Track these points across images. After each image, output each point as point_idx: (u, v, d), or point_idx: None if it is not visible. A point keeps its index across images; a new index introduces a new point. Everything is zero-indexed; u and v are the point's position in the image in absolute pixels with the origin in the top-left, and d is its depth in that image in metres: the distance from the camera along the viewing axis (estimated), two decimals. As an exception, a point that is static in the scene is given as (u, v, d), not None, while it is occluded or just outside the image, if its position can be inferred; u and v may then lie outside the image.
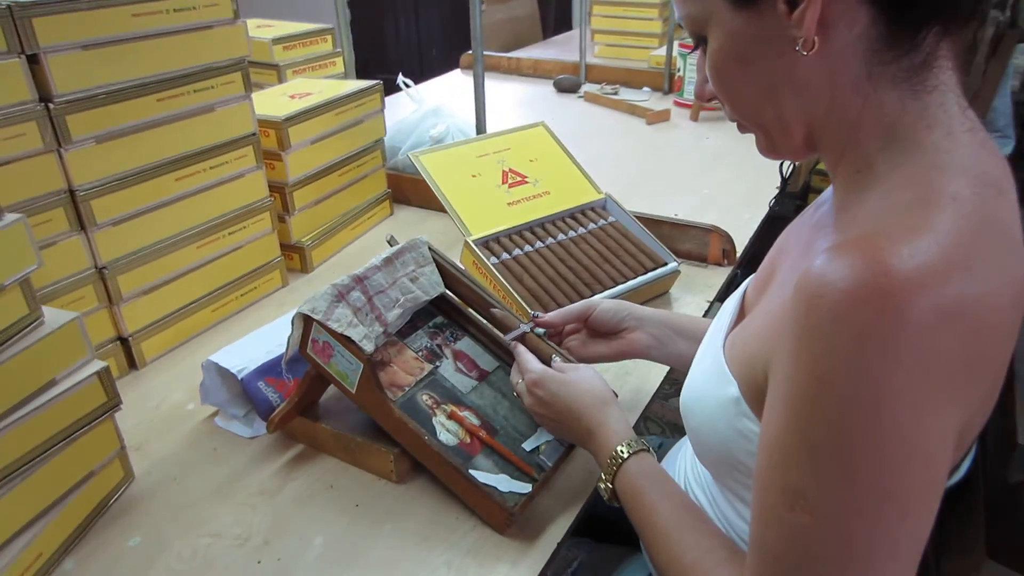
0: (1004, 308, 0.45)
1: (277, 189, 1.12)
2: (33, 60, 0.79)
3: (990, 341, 0.45)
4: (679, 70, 1.92)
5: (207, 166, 0.98)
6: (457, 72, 2.35)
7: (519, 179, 1.14)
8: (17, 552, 0.63)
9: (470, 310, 0.86)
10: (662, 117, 1.84)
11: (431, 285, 0.82)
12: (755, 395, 0.54)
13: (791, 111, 0.53)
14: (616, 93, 2.04)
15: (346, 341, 0.72)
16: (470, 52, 2.33)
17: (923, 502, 0.44)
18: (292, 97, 1.19)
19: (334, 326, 0.72)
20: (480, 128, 1.30)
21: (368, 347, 0.73)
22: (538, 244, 1.07)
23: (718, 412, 0.58)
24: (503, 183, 1.12)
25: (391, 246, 0.84)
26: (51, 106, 0.80)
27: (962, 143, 0.49)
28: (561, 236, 1.09)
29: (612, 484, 0.66)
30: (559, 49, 2.55)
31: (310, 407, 0.82)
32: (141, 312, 0.94)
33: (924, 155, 0.48)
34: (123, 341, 0.93)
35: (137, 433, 0.85)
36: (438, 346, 0.83)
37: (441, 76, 2.30)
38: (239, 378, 0.80)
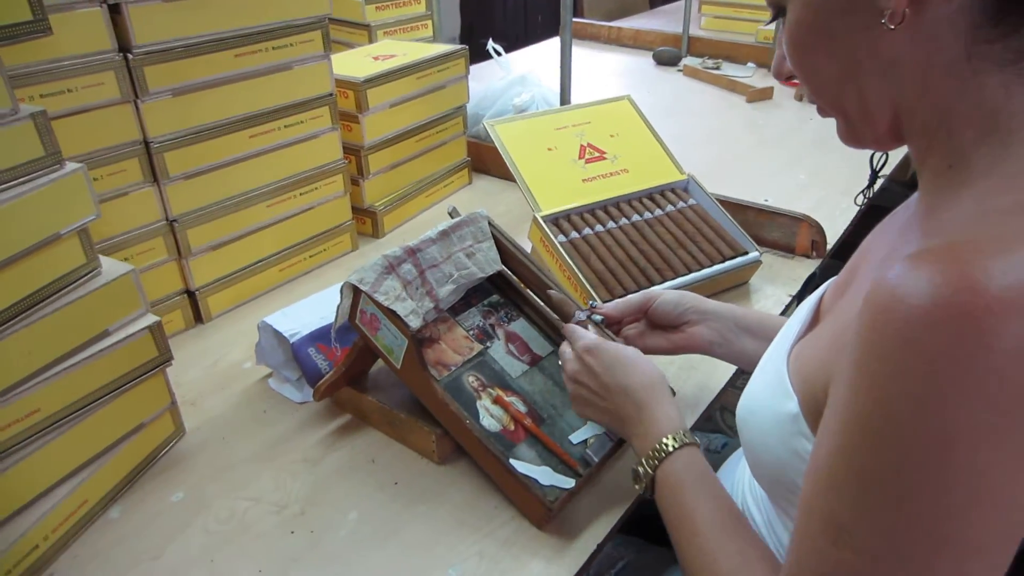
0: None
1: (352, 151, 1.11)
2: (115, 10, 0.79)
3: None
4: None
5: (282, 124, 0.97)
6: (557, 40, 2.28)
7: (597, 155, 1.08)
8: (62, 497, 0.64)
9: (528, 291, 0.82)
10: (764, 95, 1.72)
11: (488, 262, 0.79)
12: (815, 413, 0.48)
13: (875, 94, 0.47)
14: (718, 68, 1.92)
15: (392, 315, 0.70)
16: (576, 20, 2.26)
17: (988, 554, 0.38)
18: (376, 59, 1.17)
19: (381, 299, 0.70)
20: (564, 99, 1.24)
21: (414, 323, 0.70)
22: (610, 224, 1.01)
23: (774, 428, 0.52)
24: (580, 158, 1.07)
25: (452, 218, 0.81)
26: (130, 57, 0.81)
27: None
28: (636, 217, 1.03)
29: (653, 472, 0.60)
30: (665, 19, 2.43)
31: (359, 377, 0.80)
32: (209, 267, 0.95)
33: None
34: (190, 295, 0.95)
35: (194, 387, 0.86)
36: (491, 326, 0.79)
37: (542, 42, 2.24)
38: (290, 342, 0.80)
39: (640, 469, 0.62)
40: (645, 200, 1.06)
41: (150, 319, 0.71)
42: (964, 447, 0.36)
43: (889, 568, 0.39)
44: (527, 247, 0.98)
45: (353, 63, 1.14)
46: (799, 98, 1.72)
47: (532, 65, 1.40)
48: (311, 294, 0.90)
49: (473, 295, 0.81)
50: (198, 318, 0.96)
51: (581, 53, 2.15)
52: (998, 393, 0.35)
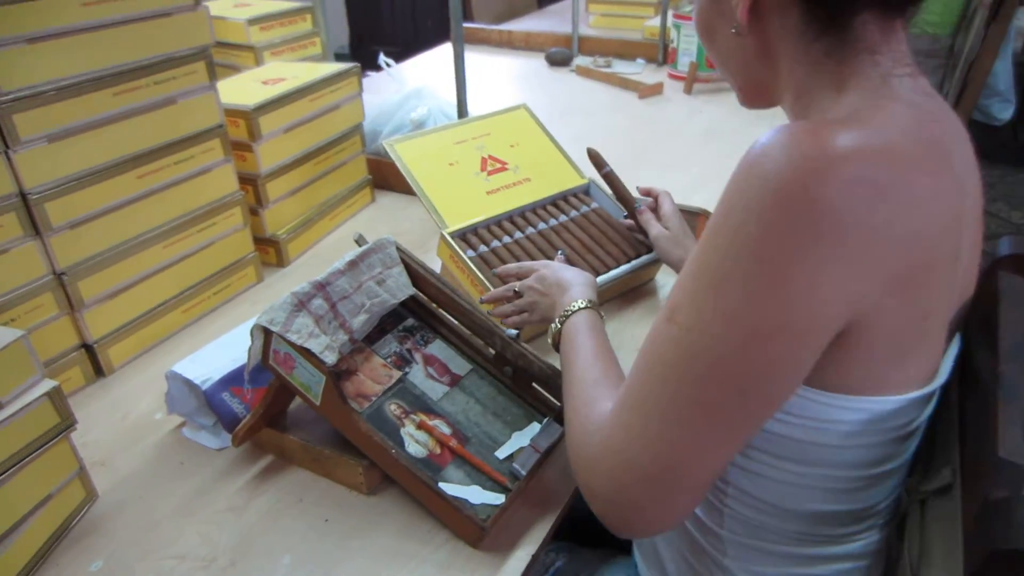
0: (933, 218, 0.50)
1: (249, 181, 1.08)
2: (-27, 58, 0.74)
3: (911, 233, 0.48)
4: (673, 41, 1.85)
5: (171, 161, 0.94)
6: (449, 45, 2.28)
7: (499, 166, 1.09)
8: (-33, 583, 0.60)
9: (441, 312, 0.83)
10: (655, 91, 1.78)
11: (399, 287, 0.79)
12: None
13: (745, 74, 0.63)
14: (609, 66, 1.97)
15: (306, 353, 0.69)
16: (464, 24, 2.27)
17: (776, 340, 0.48)
18: (265, 83, 1.15)
19: (293, 338, 0.69)
20: (461, 112, 1.25)
21: (330, 358, 0.69)
22: (517, 235, 1.03)
23: None
24: (482, 170, 1.08)
25: (359, 246, 0.80)
26: (-5, 106, 0.76)
27: (912, 100, 0.54)
28: (542, 225, 1.05)
29: (560, 326, 0.74)
30: (554, 20, 2.47)
31: (278, 417, 0.79)
32: (106, 317, 0.91)
33: (869, 97, 0.54)
34: (88, 348, 0.90)
35: (102, 447, 0.82)
36: (408, 351, 0.79)
37: (434, 49, 2.23)
38: (202, 390, 0.77)
39: (552, 327, 0.76)
40: (549, 207, 1.08)
41: (47, 384, 0.67)
42: (771, 247, 0.47)
43: (697, 339, 0.50)
44: (436, 264, 0.98)
45: (241, 90, 1.11)
46: (688, 91, 1.79)
47: (426, 74, 1.41)
48: (218, 334, 0.88)
49: (387, 321, 0.81)
50: (99, 372, 0.92)
51: (473, 58, 2.16)
52: (821, 220, 0.45)
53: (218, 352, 0.82)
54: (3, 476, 0.63)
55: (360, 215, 1.30)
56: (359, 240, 0.82)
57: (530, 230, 1.04)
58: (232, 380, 0.79)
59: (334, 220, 1.24)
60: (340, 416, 0.71)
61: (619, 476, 0.53)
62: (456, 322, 0.82)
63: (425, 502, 0.70)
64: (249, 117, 1.04)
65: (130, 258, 0.92)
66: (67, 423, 0.69)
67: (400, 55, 2.11)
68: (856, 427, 0.54)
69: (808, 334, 0.48)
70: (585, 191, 1.12)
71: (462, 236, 1.00)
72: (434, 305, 0.83)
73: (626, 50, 2.04)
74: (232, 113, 1.04)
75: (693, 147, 1.52)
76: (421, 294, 0.82)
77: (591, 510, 0.57)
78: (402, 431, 0.72)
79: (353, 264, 0.77)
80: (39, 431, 0.66)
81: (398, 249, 0.81)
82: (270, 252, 1.13)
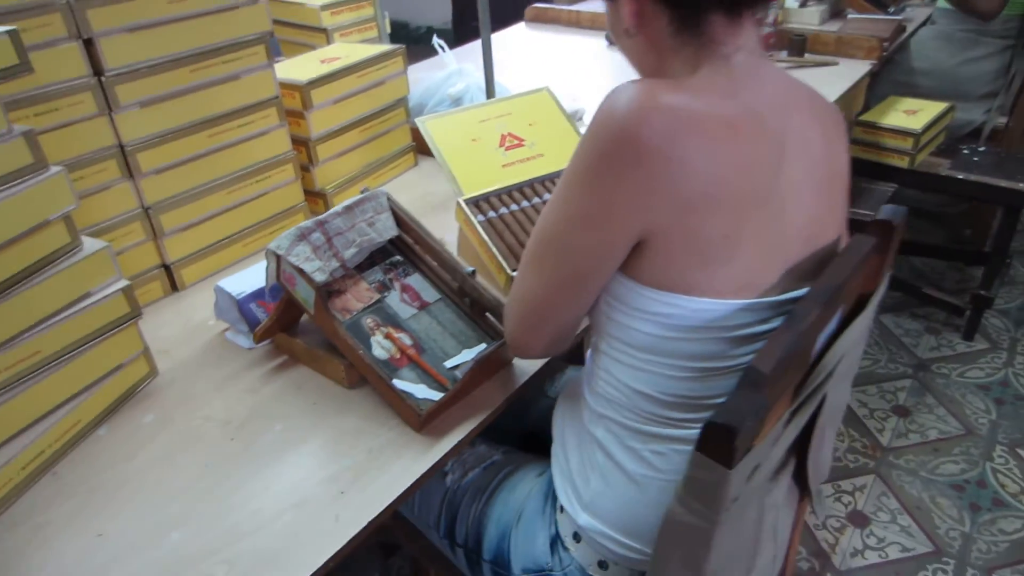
0: (723, 163, 0.67)
1: (302, 143, 1.32)
2: (88, 43, 1.01)
3: (700, 170, 0.66)
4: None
5: (235, 125, 1.18)
6: (522, 25, 2.45)
7: (516, 142, 1.26)
8: (61, 416, 0.87)
9: (418, 249, 1.02)
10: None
11: (386, 229, 0.99)
12: None
13: (641, 65, 0.81)
14: (665, 44, 2.07)
15: (302, 272, 0.91)
16: (536, 5, 2.42)
17: (591, 225, 0.69)
18: (323, 61, 1.38)
19: (293, 259, 0.91)
20: (490, 92, 1.43)
21: (320, 277, 0.91)
22: (524, 203, 1.20)
23: None
24: (500, 146, 1.25)
25: (362, 193, 1.01)
26: (103, 79, 1.02)
27: (738, 68, 0.72)
28: (547, 195, 1.21)
29: None
30: None
31: (291, 325, 1.02)
32: (181, 245, 1.17)
33: (707, 75, 0.73)
34: (166, 268, 1.17)
35: (169, 341, 1.08)
36: (389, 280, 1.00)
37: (507, 29, 2.41)
38: (236, 300, 1.01)
39: None
40: (557, 180, 1.24)
41: (122, 283, 0.93)
42: (594, 162, 0.68)
43: (550, 216, 0.74)
44: (454, 227, 1.17)
45: (303, 67, 1.35)
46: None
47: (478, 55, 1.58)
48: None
49: (377, 255, 1.02)
50: (174, 287, 1.19)
51: (542, 37, 2.32)
52: (628, 146, 0.65)
53: (254, 274, 1.06)
54: (87, 346, 0.90)
55: (402, 176, 1.52)
56: (364, 191, 1.03)
57: (536, 200, 1.20)
58: (260, 295, 1.03)
59: (378, 179, 1.47)
60: (326, 323, 0.92)
61: (509, 314, 0.83)
62: (433, 260, 1.01)
63: (381, 393, 0.91)
64: (303, 90, 1.28)
65: (201, 200, 1.17)
66: (135, 313, 0.94)
67: (495, 29, 2.28)
68: (677, 320, 0.71)
69: (612, 225, 0.69)
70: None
71: (475, 203, 1.18)
72: (416, 245, 1.03)
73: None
74: (289, 87, 1.27)
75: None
76: (405, 235, 1.02)
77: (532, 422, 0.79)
78: (372, 339, 0.93)
79: (349, 208, 0.98)
80: (114, 316, 0.92)
81: (389, 200, 1.01)
82: (319, 203, 1.37)
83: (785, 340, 0.63)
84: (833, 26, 2.08)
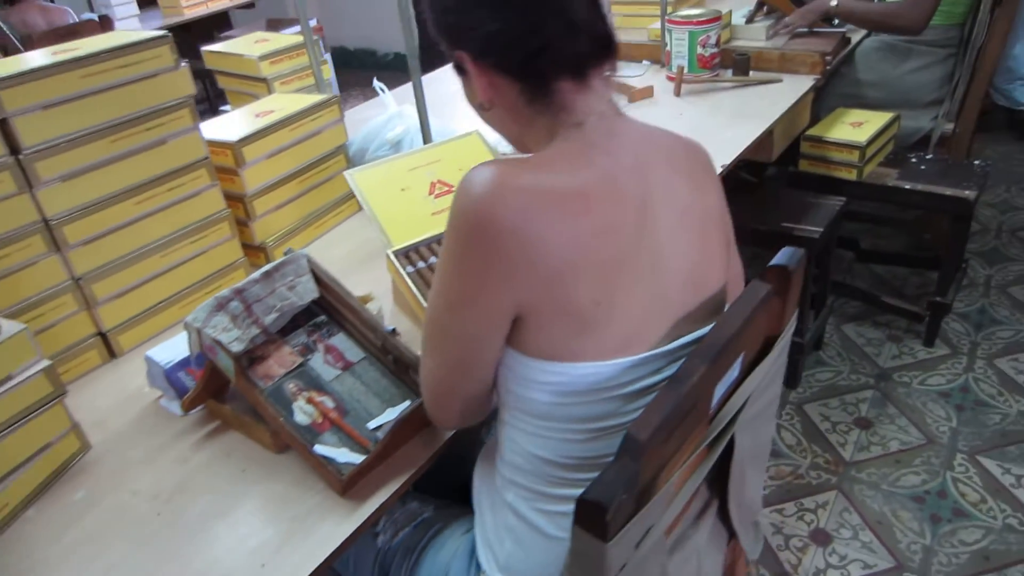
0: (583, 232, 0.68)
1: (238, 199, 1.32)
2: (3, 123, 1.01)
3: (559, 243, 0.67)
4: (667, 44, 1.95)
5: (164, 189, 1.19)
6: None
7: (446, 189, 1.27)
8: (-16, 501, 0.87)
9: (343, 310, 1.03)
10: (645, 94, 1.89)
11: (306, 292, 1.00)
12: None
13: (505, 134, 0.83)
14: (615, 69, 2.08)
15: (219, 343, 0.91)
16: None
17: (468, 310, 0.71)
18: (257, 116, 1.39)
19: (210, 331, 0.91)
20: (426, 137, 1.44)
21: (237, 348, 0.91)
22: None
23: None
24: (430, 194, 1.26)
25: (285, 256, 1.02)
26: (20, 157, 1.03)
27: (593, 133, 0.74)
28: None
29: None
30: None
31: (220, 391, 1.02)
32: (116, 312, 1.17)
33: (560, 144, 0.75)
34: (103, 336, 1.17)
35: (104, 410, 1.08)
36: (313, 341, 1.01)
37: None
38: (164, 369, 1.02)
39: None
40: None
41: (43, 363, 0.93)
42: (460, 247, 0.69)
43: (433, 300, 0.75)
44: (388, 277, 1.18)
45: (236, 123, 1.36)
46: (677, 94, 1.89)
47: (429, 95, 1.59)
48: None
49: (301, 317, 1.02)
50: (112, 354, 1.19)
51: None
52: (486, 232, 0.66)
53: (185, 340, 1.07)
54: (8, 431, 0.90)
55: (346, 223, 1.52)
56: (286, 253, 1.04)
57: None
58: (188, 362, 1.03)
59: (321, 228, 1.47)
60: (247, 392, 0.93)
61: (422, 390, 0.84)
62: (356, 319, 1.02)
63: (304, 459, 0.91)
64: (234, 148, 1.28)
65: (134, 266, 1.18)
66: (59, 392, 0.95)
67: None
68: (567, 387, 0.71)
69: (484, 306, 0.70)
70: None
71: (405, 254, 1.18)
72: (338, 305, 1.03)
73: (633, 52, 2.15)
74: (220, 145, 1.28)
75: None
76: (327, 296, 1.02)
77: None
78: (294, 404, 0.93)
79: (268, 274, 0.98)
80: (37, 396, 0.92)
81: (309, 261, 1.01)
82: (260, 256, 1.38)
83: (665, 404, 0.64)
84: (778, 42, 2.09)
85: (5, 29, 2.63)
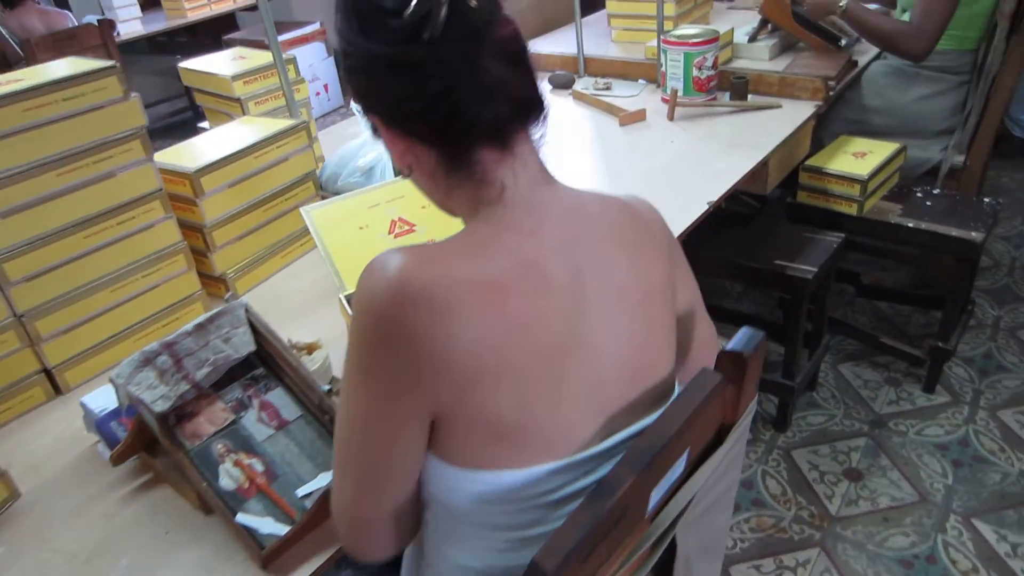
0: (503, 329, 0.62)
1: (197, 229, 1.28)
2: (-61, 159, 0.98)
3: (474, 343, 0.61)
4: (662, 64, 1.87)
5: (114, 223, 1.15)
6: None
7: (407, 228, 1.22)
8: None
9: (282, 363, 0.98)
10: (636, 118, 1.82)
11: (242, 344, 0.95)
12: None
13: (431, 199, 0.76)
14: (609, 88, 2.02)
15: (141, 402, 0.87)
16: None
17: (378, 422, 0.64)
18: (221, 142, 1.34)
19: (133, 389, 0.87)
20: (396, 170, 1.38)
21: (161, 407, 0.87)
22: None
23: None
24: (389, 232, 1.20)
25: (226, 302, 0.97)
26: (-42, 193, 0.99)
27: (514, 210, 0.67)
28: None
29: None
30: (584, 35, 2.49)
31: (154, 443, 0.98)
32: (62, 348, 1.14)
33: (480, 225, 0.68)
34: (47, 372, 1.14)
35: (41, 454, 1.05)
36: (248, 397, 0.96)
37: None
38: (94, 420, 0.98)
39: None
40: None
41: (-36, 414, 0.90)
42: (364, 351, 0.62)
43: (343, 415, 0.67)
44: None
45: (197, 151, 1.31)
46: (670, 118, 1.82)
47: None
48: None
49: (237, 370, 0.98)
50: (58, 391, 1.16)
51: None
52: (391, 333, 0.60)
53: (121, 386, 1.03)
54: (-77, 484, 0.86)
55: (312, 252, 1.47)
56: (228, 298, 0.99)
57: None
58: (121, 411, 0.99)
59: (286, 258, 1.43)
60: (172, 451, 0.88)
61: (335, 521, 0.73)
62: (296, 374, 0.97)
63: (228, 527, 0.86)
64: (192, 179, 1.24)
65: (82, 301, 1.14)
66: (-21, 444, 0.91)
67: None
68: (488, 495, 0.65)
69: (397, 416, 0.63)
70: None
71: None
72: (278, 358, 0.98)
73: (629, 71, 2.08)
74: (177, 174, 1.24)
75: (652, 177, 1.57)
76: (266, 348, 0.98)
77: None
78: (221, 467, 0.89)
79: (201, 326, 0.94)
80: (-45, 450, 0.89)
81: (247, 312, 0.97)
82: (220, 288, 1.33)
83: (581, 524, 0.58)
84: (783, 62, 2.01)
85: (4, 34, 2.62)
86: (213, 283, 1.33)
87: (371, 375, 0.63)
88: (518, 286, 0.64)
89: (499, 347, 0.62)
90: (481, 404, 0.62)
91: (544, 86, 2.11)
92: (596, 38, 2.41)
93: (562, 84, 2.08)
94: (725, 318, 2.08)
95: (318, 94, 4.15)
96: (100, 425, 0.98)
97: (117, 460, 0.96)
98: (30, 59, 2.70)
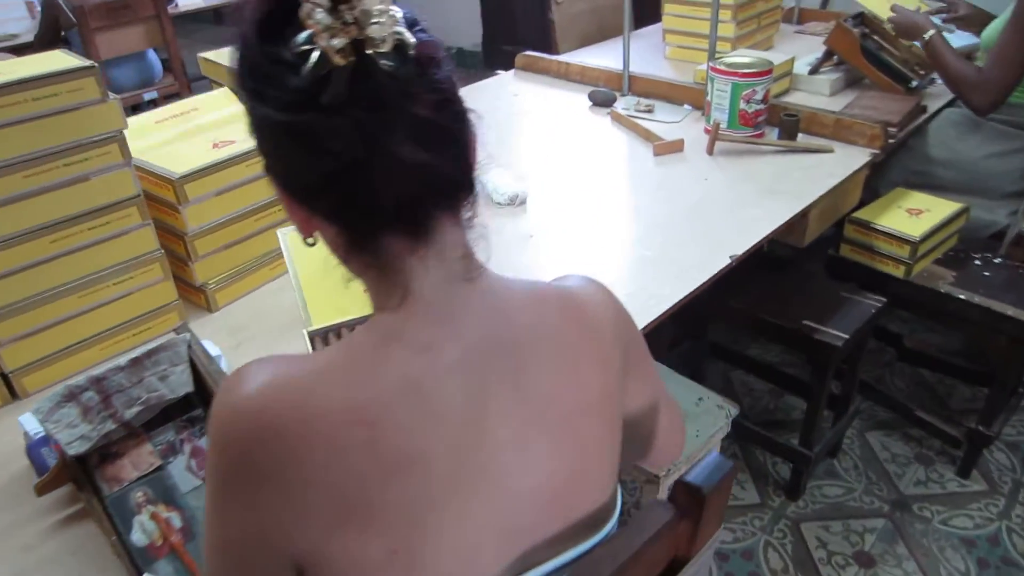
0: (376, 462, 0.53)
1: (179, 236, 1.22)
2: (-99, 151, 0.94)
3: (343, 478, 0.52)
4: (707, 93, 1.73)
5: (85, 228, 1.10)
6: (511, 74, 2.29)
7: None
8: None
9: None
10: (672, 148, 1.69)
11: (179, 384, 0.88)
12: None
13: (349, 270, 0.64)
14: (651, 111, 1.89)
15: (55, 441, 0.81)
16: (528, 53, 2.26)
17: (235, 550, 0.56)
18: (215, 146, 1.28)
19: (50, 427, 0.81)
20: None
21: (77, 449, 0.81)
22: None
23: None
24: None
25: (177, 334, 0.91)
26: (-83, 189, 0.95)
27: (413, 316, 0.57)
28: None
29: None
30: (632, 44, 2.34)
31: (80, 476, 0.92)
32: (22, 353, 1.09)
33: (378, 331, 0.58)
34: (5, 376, 1.10)
35: (-19, 466, 1.01)
36: (180, 441, 0.89)
37: (495, 77, 2.26)
38: (27, 444, 0.93)
39: None
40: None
41: None
42: (216, 479, 0.55)
43: (206, 533, 0.58)
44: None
45: (186, 154, 1.25)
46: (710, 152, 1.68)
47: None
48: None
49: (174, 410, 0.91)
50: (15, 395, 1.12)
51: (527, 88, 2.16)
52: (243, 464, 0.52)
53: (63, 407, 0.98)
54: None
55: (307, 265, 1.41)
56: (178, 329, 0.93)
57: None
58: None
59: (275, 270, 1.36)
60: (84, 498, 0.83)
61: None
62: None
63: (133, 587, 0.80)
64: (175, 185, 1.18)
65: (45, 306, 1.09)
66: (-99, 460, 0.87)
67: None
68: None
69: (258, 555, 0.55)
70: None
71: (323, 335, 1.06)
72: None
73: (675, 94, 1.94)
74: (160, 178, 1.18)
75: (676, 216, 1.45)
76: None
77: None
78: (136, 518, 0.83)
79: (137, 361, 0.87)
80: None
81: (190, 349, 0.90)
82: (200, 298, 1.28)
83: None
84: (844, 99, 1.84)
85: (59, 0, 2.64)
86: (193, 292, 1.28)
87: (226, 511, 0.55)
88: (395, 416, 0.54)
89: (366, 490, 0.52)
90: (354, 550, 0.53)
91: (583, 102, 2.00)
92: (648, 52, 2.28)
93: (602, 102, 1.95)
94: (747, 367, 1.95)
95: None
96: (31, 449, 0.93)
97: (41, 491, 0.91)
98: (83, 26, 2.71)
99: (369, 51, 0.48)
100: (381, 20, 0.46)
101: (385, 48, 0.48)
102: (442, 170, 0.55)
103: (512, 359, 0.59)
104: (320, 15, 0.45)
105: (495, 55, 3.66)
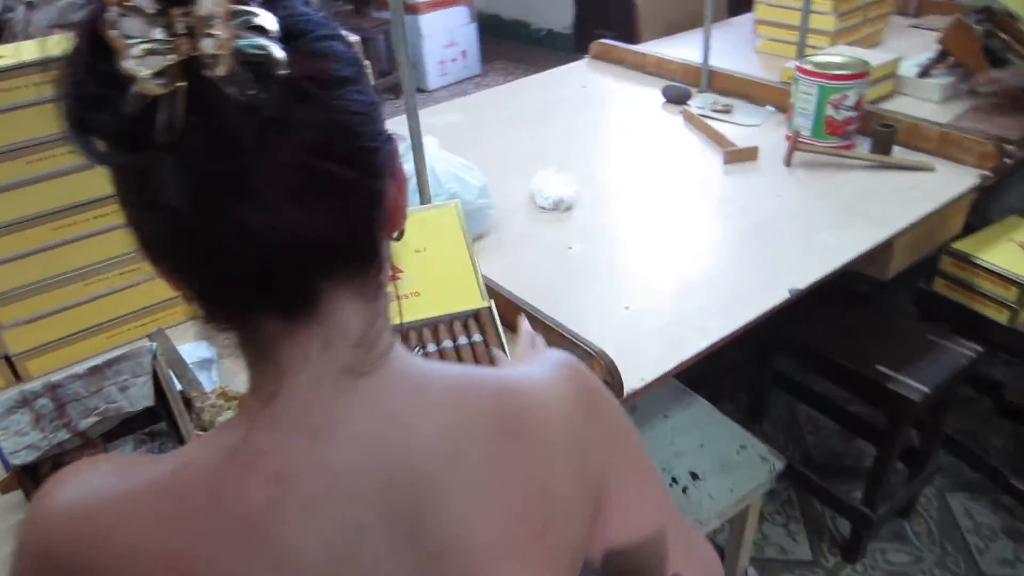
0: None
1: (194, 229, 1.18)
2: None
3: None
4: (791, 95, 1.54)
5: (91, 216, 1.07)
6: (584, 62, 2.14)
7: (391, 275, 1.04)
8: None
9: (182, 423, 0.85)
10: (745, 156, 1.52)
11: (140, 397, 0.83)
12: None
13: None
14: (729, 111, 1.71)
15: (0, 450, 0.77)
16: (603, 41, 2.12)
17: None
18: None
19: (-2, 434, 0.77)
20: (423, 197, 1.21)
21: (21, 459, 0.77)
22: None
23: None
24: (368, 272, 1.04)
25: (151, 342, 0.86)
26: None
27: (275, 425, 0.45)
28: (418, 350, 0.99)
29: None
30: (723, 34, 2.12)
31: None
32: (25, 337, 1.08)
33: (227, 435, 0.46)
34: (8, 359, 1.09)
35: (-30, 449, 1.00)
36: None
37: (569, 64, 2.12)
38: (-3, 438, 0.91)
39: None
40: (425, 330, 1.01)
41: None
42: None
43: None
44: None
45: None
46: (787, 163, 1.50)
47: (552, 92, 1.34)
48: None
49: (135, 422, 0.86)
50: (18, 377, 1.11)
51: (600, 79, 2.01)
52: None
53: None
54: None
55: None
56: (152, 337, 0.88)
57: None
58: (28, 434, 0.91)
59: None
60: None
61: None
62: (199, 435, 0.84)
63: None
64: (188, 175, 1.13)
65: (52, 292, 1.08)
66: None
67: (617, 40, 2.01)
68: None
69: None
70: (475, 316, 1.02)
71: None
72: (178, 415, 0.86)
73: (758, 93, 1.74)
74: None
75: (734, 237, 1.29)
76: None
77: None
78: (76, 538, 0.78)
79: (96, 370, 0.82)
80: None
81: (154, 361, 0.84)
82: (214, 292, 1.24)
83: None
84: (955, 109, 1.61)
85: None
86: (206, 286, 1.24)
87: None
88: (221, 568, 0.43)
89: None
90: None
91: (656, 97, 1.84)
92: (737, 45, 2.08)
93: (675, 98, 1.79)
94: (813, 403, 1.74)
95: (454, 60, 4.03)
96: None
97: (4, 488, 0.88)
98: None
99: (206, 73, 0.36)
100: (217, 31, 0.35)
101: (222, 70, 0.36)
102: (325, 232, 0.41)
103: (407, 493, 0.45)
104: (132, 24, 0.35)
105: (586, 38, 3.52)
